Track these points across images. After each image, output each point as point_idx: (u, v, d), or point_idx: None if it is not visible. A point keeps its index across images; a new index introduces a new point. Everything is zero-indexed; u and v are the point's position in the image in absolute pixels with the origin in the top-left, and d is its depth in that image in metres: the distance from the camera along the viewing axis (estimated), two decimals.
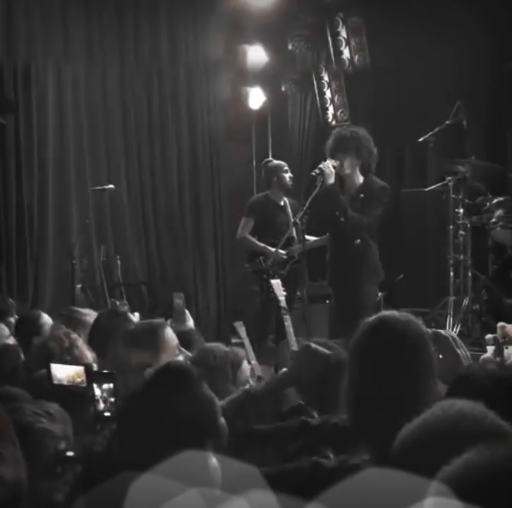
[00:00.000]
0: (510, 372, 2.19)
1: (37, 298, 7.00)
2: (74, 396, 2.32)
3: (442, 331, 2.21)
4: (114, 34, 7.45)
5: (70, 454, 1.99)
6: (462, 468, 1.04)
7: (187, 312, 3.60)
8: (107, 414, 2.14)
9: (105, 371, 2.27)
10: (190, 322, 3.54)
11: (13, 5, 6.98)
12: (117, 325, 2.91)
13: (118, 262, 6.89)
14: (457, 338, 2.28)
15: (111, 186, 6.73)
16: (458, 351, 2.24)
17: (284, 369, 2.56)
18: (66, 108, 7.29)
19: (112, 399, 2.14)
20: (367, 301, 4.87)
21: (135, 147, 7.61)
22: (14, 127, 7.03)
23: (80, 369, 2.40)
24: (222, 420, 1.73)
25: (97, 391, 2.15)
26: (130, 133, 7.61)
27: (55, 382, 2.39)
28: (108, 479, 1.49)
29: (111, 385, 2.15)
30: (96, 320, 3.11)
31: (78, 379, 2.37)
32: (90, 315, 3.27)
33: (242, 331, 5.02)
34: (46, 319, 3.79)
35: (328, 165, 4.81)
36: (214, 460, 1.59)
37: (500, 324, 3.86)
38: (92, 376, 2.23)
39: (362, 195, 4.94)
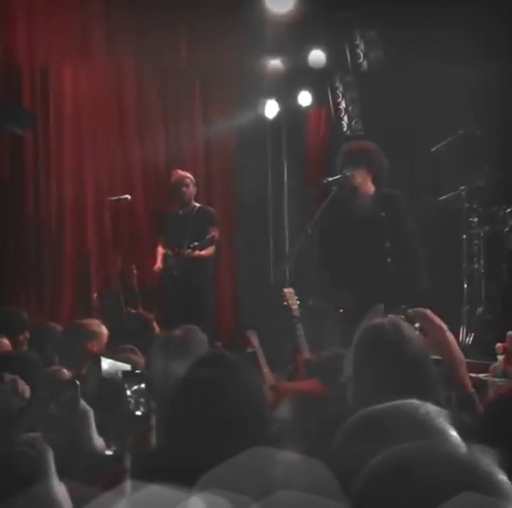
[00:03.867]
0: None
1: (55, 308, 7.07)
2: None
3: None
4: (130, 34, 7.32)
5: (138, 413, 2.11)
6: None
7: None
8: (138, 413, 2.18)
9: (137, 371, 2.30)
10: None
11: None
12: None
13: (134, 271, 6.95)
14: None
15: (127, 196, 6.78)
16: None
17: None
18: (82, 115, 7.31)
19: (142, 399, 2.17)
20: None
21: (151, 154, 7.60)
22: (33, 137, 7.11)
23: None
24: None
25: (129, 391, 2.19)
26: (146, 141, 7.59)
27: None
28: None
29: (143, 385, 2.20)
30: None
31: None
32: (96, 324, 3.34)
33: (255, 340, 5.05)
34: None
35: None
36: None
37: (509, 333, 3.87)
38: (123, 375, 2.27)
39: (383, 214, 4.89)
